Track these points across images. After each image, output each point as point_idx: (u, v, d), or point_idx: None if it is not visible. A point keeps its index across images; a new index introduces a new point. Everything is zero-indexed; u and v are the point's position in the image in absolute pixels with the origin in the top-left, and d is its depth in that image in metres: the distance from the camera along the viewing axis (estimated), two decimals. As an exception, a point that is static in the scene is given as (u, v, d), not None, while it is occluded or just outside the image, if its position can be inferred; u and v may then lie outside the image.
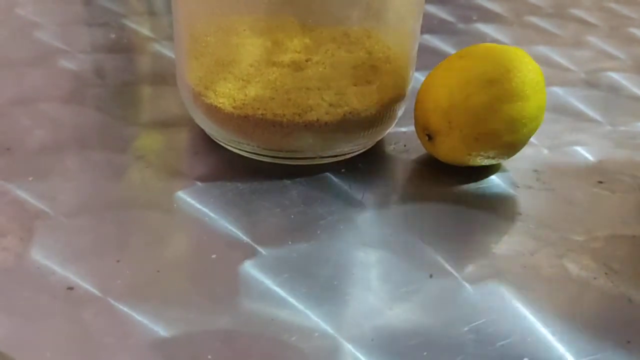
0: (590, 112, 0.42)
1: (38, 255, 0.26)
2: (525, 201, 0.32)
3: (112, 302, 0.24)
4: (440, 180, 0.33)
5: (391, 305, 0.25)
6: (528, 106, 0.31)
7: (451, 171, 0.33)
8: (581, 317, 0.25)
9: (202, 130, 0.35)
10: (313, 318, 0.24)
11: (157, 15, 0.52)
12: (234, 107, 0.31)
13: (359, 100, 0.31)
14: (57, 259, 0.26)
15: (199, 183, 0.31)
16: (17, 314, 0.23)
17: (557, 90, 0.44)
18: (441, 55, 0.38)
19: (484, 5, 0.61)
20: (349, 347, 0.23)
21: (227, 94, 0.31)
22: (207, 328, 0.23)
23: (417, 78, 0.40)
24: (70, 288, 0.24)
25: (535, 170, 0.35)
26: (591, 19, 0.60)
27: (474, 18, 0.57)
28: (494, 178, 0.33)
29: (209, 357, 0.22)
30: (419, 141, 0.34)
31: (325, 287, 0.26)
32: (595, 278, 0.27)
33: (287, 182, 0.32)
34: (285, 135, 0.31)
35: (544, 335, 0.24)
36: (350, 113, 0.31)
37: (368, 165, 0.34)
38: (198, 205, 0.30)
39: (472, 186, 0.33)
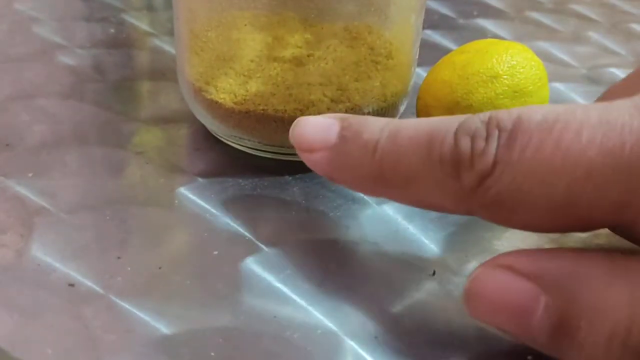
0: (592, 108, 0.42)
1: (38, 252, 0.26)
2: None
3: (114, 299, 0.24)
4: (442, 177, 0.33)
5: (394, 302, 0.25)
6: (530, 102, 0.31)
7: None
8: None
9: (203, 126, 0.35)
10: (315, 315, 0.24)
11: (156, 10, 0.52)
12: (235, 103, 0.31)
13: (360, 96, 0.31)
14: (57, 255, 0.26)
15: (199, 179, 0.31)
16: (18, 311, 0.23)
17: (559, 86, 0.44)
18: (442, 51, 0.38)
19: (485, 1, 0.60)
20: (351, 344, 0.23)
21: (228, 90, 0.31)
22: (209, 325, 0.23)
23: (419, 74, 0.40)
24: (71, 285, 0.24)
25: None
26: (592, 14, 0.60)
27: (475, 13, 0.57)
28: (496, 174, 0.33)
29: (212, 354, 0.22)
30: (420, 137, 0.34)
31: (327, 284, 0.25)
32: (598, 275, 0.27)
33: (289, 178, 0.32)
34: (286, 131, 0.31)
35: (547, 332, 0.24)
36: (352, 109, 0.31)
37: (369, 162, 0.33)
38: (199, 202, 0.29)
39: (474, 182, 0.32)
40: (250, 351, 0.22)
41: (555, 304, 0.20)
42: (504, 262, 0.21)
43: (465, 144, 0.21)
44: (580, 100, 0.43)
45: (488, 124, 0.21)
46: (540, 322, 0.20)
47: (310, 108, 0.30)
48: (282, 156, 0.33)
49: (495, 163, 0.20)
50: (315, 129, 0.25)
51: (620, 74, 0.47)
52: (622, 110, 0.20)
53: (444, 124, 0.22)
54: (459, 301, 0.25)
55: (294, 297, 0.25)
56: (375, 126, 0.23)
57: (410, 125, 0.23)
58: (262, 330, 0.23)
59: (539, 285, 0.20)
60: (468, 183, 0.21)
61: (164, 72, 0.41)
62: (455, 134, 0.21)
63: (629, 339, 0.18)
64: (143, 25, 0.49)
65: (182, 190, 0.30)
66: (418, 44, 0.34)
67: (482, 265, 0.22)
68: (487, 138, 0.20)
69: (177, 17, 0.32)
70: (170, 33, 0.47)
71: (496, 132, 0.20)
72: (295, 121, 0.26)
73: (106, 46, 0.44)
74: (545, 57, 0.49)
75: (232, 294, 0.25)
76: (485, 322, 0.22)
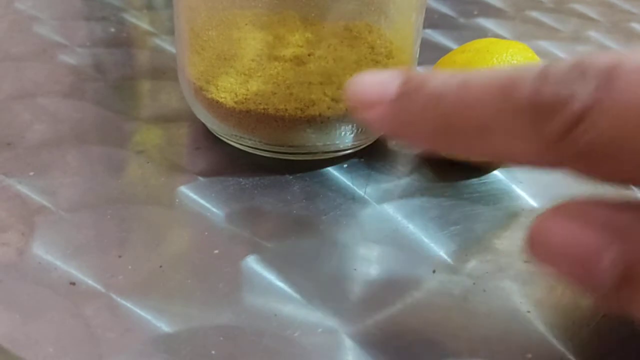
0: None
1: (39, 251, 0.26)
2: (527, 196, 0.32)
3: (115, 297, 0.24)
4: (442, 176, 0.33)
5: (394, 301, 0.25)
6: (531, 101, 0.31)
7: (453, 166, 0.33)
8: (584, 313, 0.25)
9: (203, 125, 0.35)
10: (316, 313, 0.24)
11: (156, 9, 0.52)
12: (235, 102, 0.31)
13: (361, 95, 0.31)
14: (58, 254, 0.26)
15: (200, 178, 0.31)
16: (19, 309, 0.23)
17: (559, 85, 0.44)
18: (442, 50, 0.38)
19: (485, 0, 0.60)
20: (351, 342, 0.23)
21: (229, 89, 0.31)
22: (209, 323, 0.23)
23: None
24: (72, 283, 0.24)
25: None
26: (592, 14, 0.60)
27: (475, 12, 0.57)
28: (496, 173, 0.33)
29: (213, 352, 0.22)
30: (421, 136, 0.34)
31: (328, 282, 0.26)
32: (598, 273, 0.27)
33: (289, 177, 0.32)
34: (287, 130, 0.31)
35: (547, 331, 0.24)
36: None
37: (370, 160, 0.33)
38: (200, 201, 0.29)
39: (474, 181, 0.33)
40: (250, 349, 0.22)
41: (622, 255, 0.18)
42: (572, 210, 0.19)
43: (551, 88, 0.18)
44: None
45: (577, 66, 0.18)
46: (606, 272, 0.18)
47: (310, 107, 0.30)
48: (283, 155, 0.33)
49: (587, 108, 0.18)
50: (373, 85, 0.22)
51: (621, 73, 0.47)
52: None
53: (523, 70, 0.19)
54: (459, 300, 0.25)
55: (295, 295, 0.25)
56: (439, 78, 0.21)
57: (481, 74, 0.20)
58: (262, 329, 0.23)
59: (606, 235, 0.18)
60: (555, 131, 0.18)
61: (165, 71, 0.41)
62: (539, 78, 0.19)
63: None
64: (143, 24, 0.49)
65: (183, 189, 0.30)
66: (418, 43, 0.34)
67: (548, 210, 0.20)
68: (578, 81, 0.18)
69: (177, 15, 0.32)
70: (171, 32, 0.47)
71: (588, 75, 0.18)
72: (350, 80, 0.23)
73: (106, 45, 0.44)
74: (546, 57, 0.49)
75: (233, 293, 0.25)
76: (547, 268, 0.20)
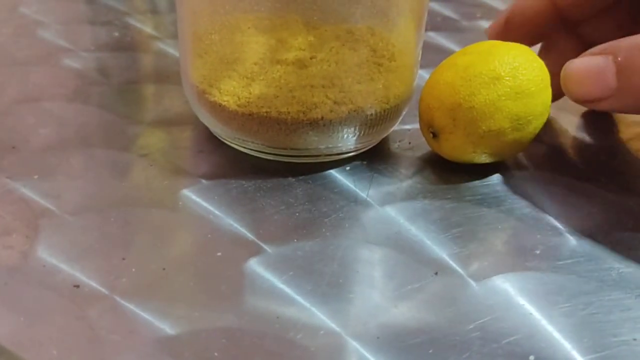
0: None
1: (44, 254, 0.26)
2: (528, 199, 0.32)
3: (118, 299, 0.24)
4: (444, 178, 0.33)
5: (396, 303, 0.25)
6: (533, 103, 0.31)
7: (456, 169, 0.33)
8: (586, 314, 0.25)
9: (207, 129, 0.35)
10: (318, 316, 0.24)
11: (160, 13, 0.52)
12: (238, 105, 0.31)
13: (363, 98, 0.31)
14: (62, 257, 0.26)
15: (203, 181, 0.31)
16: (23, 312, 0.23)
17: (562, 87, 0.44)
18: (445, 53, 0.38)
19: (488, 3, 0.60)
20: (354, 344, 0.23)
21: (232, 92, 0.31)
22: (212, 326, 0.23)
23: (422, 75, 0.40)
24: (76, 286, 0.25)
25: (540, 168, 0.34)
26: (595, 15, 0.60)
27: (478, 15, 0.57)
28: (498, 175, 0.33)
29: (215, 354, 0.22)
30: (423, 139, 0.34)
31: (330, 284, 0.26)
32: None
33: (292, 180, 0.32)
34: (289, 133, 0.31)
35: (550, 333, 0.24)
36: (354, 111, 0.31)
37: (373, 163, 0.34)
38: (203, 203, 0.30)
39: (476, 183, 0.33)
40: (253, 352, 0.22)
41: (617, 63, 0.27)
42: (584, 54, 0.29)
43: None
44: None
45: None
46: (613, 76, 0.27)
47: (313, 110, 0.30)
48: (285, 158, 0.33)
49: None
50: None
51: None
52: None
53: None
54: (461, 302, 0.25)
55: (297, 298, 0.25)
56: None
57: None
58: (265, 331, 0.23)
59: (609, 54, 0.27)
60: None
61: (168, 75, 0.42)
62: None
63: None
64: (147, 28, 0.49)
65: (186, 192, 0.30)
66: (420, 45, 0.34)
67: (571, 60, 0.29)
68: None
69: (180, 19, 0.33)
70: (175, 36, 0.47)
71: None
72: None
73: (111, 49, 0.45)
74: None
75: (236, 295, 0.25)
76: (578, 97, 0.29)
